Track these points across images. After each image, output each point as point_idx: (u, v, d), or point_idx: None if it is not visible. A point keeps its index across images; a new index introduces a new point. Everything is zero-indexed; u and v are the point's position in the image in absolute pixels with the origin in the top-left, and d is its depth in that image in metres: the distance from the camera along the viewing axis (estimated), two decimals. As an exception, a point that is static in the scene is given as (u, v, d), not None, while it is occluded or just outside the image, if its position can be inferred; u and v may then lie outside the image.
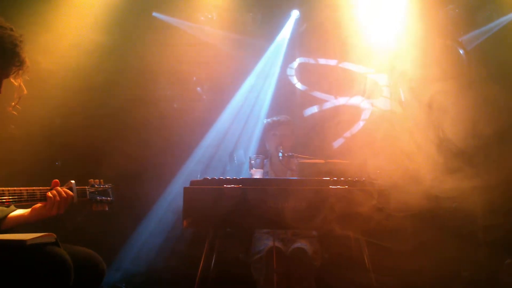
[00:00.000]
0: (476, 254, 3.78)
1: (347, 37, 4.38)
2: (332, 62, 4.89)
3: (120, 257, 4.13)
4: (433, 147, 3.51)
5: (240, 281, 3.58)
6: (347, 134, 4.71)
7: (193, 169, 4.38)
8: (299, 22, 4.90)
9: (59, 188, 2.27)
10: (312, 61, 4.93)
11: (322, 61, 4.92)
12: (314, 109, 4.87)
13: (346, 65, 4.84)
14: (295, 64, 4.94)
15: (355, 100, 4.78)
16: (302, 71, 4.93)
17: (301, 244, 3.44)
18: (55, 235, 2.12)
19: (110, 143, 4.20)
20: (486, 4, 4.54)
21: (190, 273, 3.17)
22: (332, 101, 4.85)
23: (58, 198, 2.23)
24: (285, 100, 4.81)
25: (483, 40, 4.66)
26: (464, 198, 3.26)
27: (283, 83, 4.87)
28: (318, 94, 4.91)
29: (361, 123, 4.75)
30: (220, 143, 4.64)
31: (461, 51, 4.10)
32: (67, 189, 2.32)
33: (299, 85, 4.91)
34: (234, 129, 4.72)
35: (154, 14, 4.64)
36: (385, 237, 3.39)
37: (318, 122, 4.63)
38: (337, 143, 4.67)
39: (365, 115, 4.77)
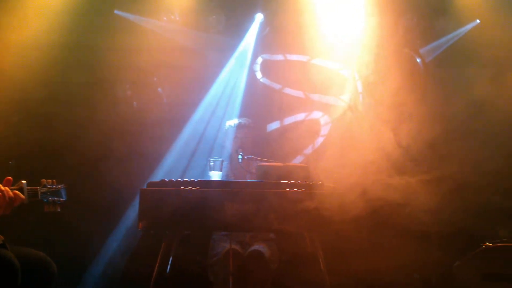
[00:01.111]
0: (427, 255, 3.91)
1: (309, 40, 4.46)
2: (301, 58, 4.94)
3: (75, 259, 4.03)
4: (387, 148, 3.62)
5: (197, 284, 3.57)
6: (307, 150, 4.76)
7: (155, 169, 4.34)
8: (263, 25, 4.93)
9: (3, 188, 2.20)
10: (279, 57, 4.96)
11: (292, 56, 4.95)
12: (276, 124, 4.89)
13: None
14: (260, 61, 4.96)
15: (316, 115, 4.84)
16: (268, 68, 4.95)
17: (258, 246, 3.46)
18: (2, 237, 2.07)
19: (67, 143, 4.10)
20: (443, 15, 4.69)
21: (146, 275, 3.13)
22: (294, 116, 4.88)
23: (2, 198, 2.16)
24: (255, 101, 4.80)
25: (442, 51, 4.84)
26: (415, 198, 3.36)
27: (251, 85, 4.87)
28: (288, 91, 4.93)
29: (320, 139, 4.81)
30: (186, 145, 4.60)
31: (418, 60, 4.23)
32: (17, 189, 2.26)
33: (264, 80, 4.92)
34: (208, 132, 4.67)
35: (116, 12, 4.57)
36: (340, 239, 3.46)
37: (278, 139, 4.66)
38: (297, 160, 4.72)
39: (324, 130, 4.84)
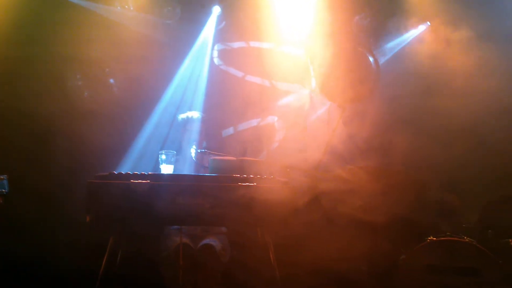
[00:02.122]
0: (374, 248, 4.02)
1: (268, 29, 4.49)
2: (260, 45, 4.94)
3: (20, 254, 3.89)
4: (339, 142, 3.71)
5: (146, 279, 3.52)
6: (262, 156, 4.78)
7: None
8: (220, 18, 4.90)
9: None
10: (238, 44, 4.94)
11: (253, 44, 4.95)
12: (230, 130, 4.88)
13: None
14: (218, 48, 4.93)
15: (271, 119, 4.87)
16: (228, 56, 4.92)
17: (209, 240, 3.46)
18: None
19: (12, 134, 3.94)
20: (396, 14, 4.80)
21: (94, 271, 3.05)
22: (249, 122, 4.88)
23: None
24: (218, 92, 4.76)
25: (396, 52, 4.97)
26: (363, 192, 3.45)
27: (213, 75, 4.83)
28: (251, 79, 4.92)
29: (276, 144, 4.84)
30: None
31: (371, 59, 4.32)
32: (-46, 180, 2.16)
33: (224, 67, 4.88)
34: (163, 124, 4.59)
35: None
36: (292, 232, 3.50)
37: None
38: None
39: (280, 135, 4.87)
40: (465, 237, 3.61)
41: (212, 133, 4.12)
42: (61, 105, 4.16)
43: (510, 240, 3.64)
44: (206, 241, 3.47)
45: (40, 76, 4.17)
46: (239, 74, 4.91)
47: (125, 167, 4.22)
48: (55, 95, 4.19)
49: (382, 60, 4.86)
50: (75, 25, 4.29)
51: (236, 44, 4.96)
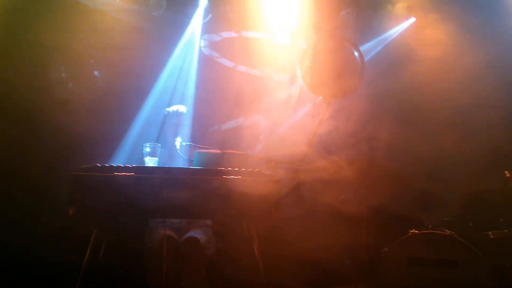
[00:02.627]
0: (358, 241, 4.07)
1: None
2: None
3: (4, 244, 3.85)
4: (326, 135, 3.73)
5: (130, 272, 3.52)
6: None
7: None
8: (207, 10, 4.87)
9: None
10: (226, 34, 4.93)
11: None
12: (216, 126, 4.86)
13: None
14: (207, 37, 4.91)
15: (256, 119, 4.87)
16: (217, 47, 4.91)
17: (194, 233, 3.46)
18: None
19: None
20: (380, 10, 4.83)
21: (77, 264, 3.04)
22: (236, 121, 4.87)
23: None
24: (207, 85, 4.74)
25: (381, 48, 5.00)
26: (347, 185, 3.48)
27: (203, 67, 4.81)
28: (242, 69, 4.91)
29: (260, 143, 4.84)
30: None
31: (356, 53, 4.34)
32: None
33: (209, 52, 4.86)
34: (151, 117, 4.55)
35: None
36: (276, 225, 3.53)
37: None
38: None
39: (264, 134, 4.86)
40: (446, 230, 3.67)
41: (198, 126, 4.12)
42: (44, 96, 4.10)
43: (490, 233, 3.71)
44: (191, 233, 3.47)
45: (22, 67, 4.10)
46: (228, 63, 4.89)
47: (110, 160, 4.19)
48: (38, 86, 4.13)
49: (368, 56, 4.89)
50: (59, 15, 4.22)
51: (225, 34, 4.94)
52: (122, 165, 2.90)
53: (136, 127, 4.51)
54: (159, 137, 4.06)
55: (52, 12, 4.17)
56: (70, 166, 3.07)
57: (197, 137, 3.92)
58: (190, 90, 4.73)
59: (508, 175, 3.67)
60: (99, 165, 2.89)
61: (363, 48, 4.76)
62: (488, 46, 4.39)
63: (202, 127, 4.45)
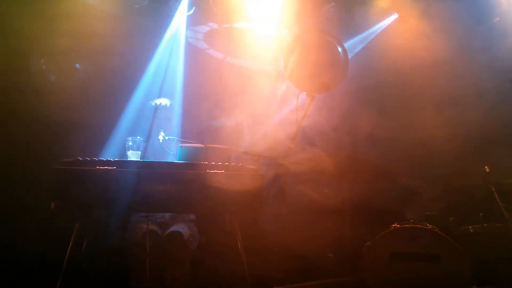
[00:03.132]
0: (341, 235, 4.10)
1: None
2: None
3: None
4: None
5: (113, 267, 3.48)
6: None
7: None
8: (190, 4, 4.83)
9: None
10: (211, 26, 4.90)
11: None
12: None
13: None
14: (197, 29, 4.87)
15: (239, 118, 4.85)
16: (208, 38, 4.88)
17: (177, 227, 3.44)
18: None
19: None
20: (364, 5, 4.85)
21: (59, 258, 3.00)
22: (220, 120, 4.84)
23: None
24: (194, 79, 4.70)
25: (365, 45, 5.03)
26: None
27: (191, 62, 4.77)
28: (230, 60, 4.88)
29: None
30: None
31: (339, 48, 4.35)
32: None
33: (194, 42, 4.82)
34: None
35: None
36: (260, 219, 3.53)
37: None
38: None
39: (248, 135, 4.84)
40: (428, 224, 3.72)
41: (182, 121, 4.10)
42: (24, 88, 4.03)
43: (470, 227, 3.77)
44: (174, 228, 3.45)
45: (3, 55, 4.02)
46: (216, 54, 4.85)
47: (93, 154, 4.14)
48: (17, 77, 4.05)
49: (352, 53, 4.91)
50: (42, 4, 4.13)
51: (210, 25, 4.90)
52: (104, 159, 2.87)
53: (121, 120, 4.46)
54: (143, 131, 4.02)
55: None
56: (52, 160, 3.03)
57: (187, 131, 3.89)
58: (178, 83, 4.69)
59: (488, 171, 3.73)
60: (80, 158, 2.85)
61: (347, 44, 4.78)
62: (471, 41, 4.44)
63: (191, 121, 4.42)
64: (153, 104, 3.91)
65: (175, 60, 4.77)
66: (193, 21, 4.87)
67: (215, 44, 4.91)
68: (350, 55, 4.67)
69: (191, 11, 4.81)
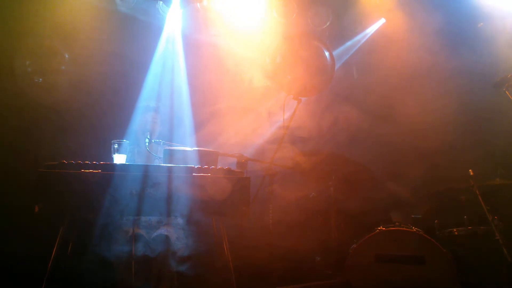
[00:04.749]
0: (328, 238, 4.11)
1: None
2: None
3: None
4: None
5: (99, 270, 3.46)
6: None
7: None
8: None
9: None
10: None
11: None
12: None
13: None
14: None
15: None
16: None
17: (164, 231, 3.43)
18: None
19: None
20: (350, 10, 4.88)
21: (43, 262, 2.97)
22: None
23: None
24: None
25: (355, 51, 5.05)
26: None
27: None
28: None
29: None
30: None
31: (326, 53, 4.38)
32: None
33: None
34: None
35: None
36: (246, 222, 3.53)
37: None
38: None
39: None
40: (413, 227, 3.75)
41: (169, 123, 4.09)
42: (9, 89, 3.99)
43: (455, 230, 3.81)
44: (160, 231, 3.44)
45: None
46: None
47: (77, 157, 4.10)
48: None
49: (341, 60, 4.92)
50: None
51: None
52: (89, 162, 2.85)
53: (110, 123, 4.42)
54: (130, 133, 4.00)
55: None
56: (37, 163, 3.01)
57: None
58: (177, 81, 4.65)
59: (472, 174, 3.78)
60: (65, 161, 2.83)
61: (335, 52, 4.78)
62: (455, 45, 4.49)
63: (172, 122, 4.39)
64: (142, 106, 3.91)
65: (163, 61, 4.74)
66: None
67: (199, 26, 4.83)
68: (340, 62, 4.70)
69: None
